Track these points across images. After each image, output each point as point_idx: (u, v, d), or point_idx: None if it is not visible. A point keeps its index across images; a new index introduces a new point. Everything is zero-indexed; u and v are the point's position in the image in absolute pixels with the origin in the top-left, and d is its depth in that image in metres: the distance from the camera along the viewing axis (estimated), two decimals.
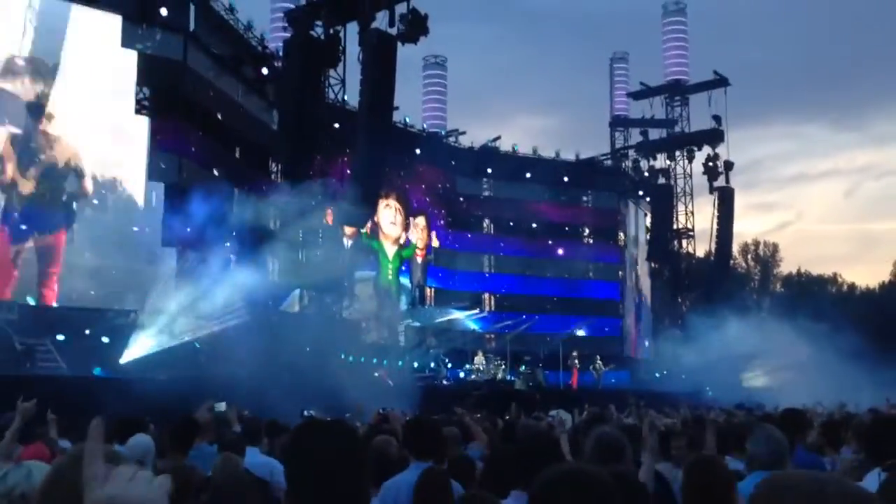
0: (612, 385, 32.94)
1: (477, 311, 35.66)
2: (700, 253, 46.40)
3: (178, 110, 22.22)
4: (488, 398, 22.01)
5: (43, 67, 20.29)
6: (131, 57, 21.59)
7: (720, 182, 40.07)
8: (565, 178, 39.59)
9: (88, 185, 20.85)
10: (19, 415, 5.51)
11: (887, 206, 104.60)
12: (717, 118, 39.65)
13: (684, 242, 44.09)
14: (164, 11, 21.90)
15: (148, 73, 21.99)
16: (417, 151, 34.17)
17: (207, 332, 20.16)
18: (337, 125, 25.60)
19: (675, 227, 42.90)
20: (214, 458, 5.51)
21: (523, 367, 30.61)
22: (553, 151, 40.09)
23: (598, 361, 33.37)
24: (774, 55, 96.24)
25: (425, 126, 38.14)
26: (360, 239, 30.57)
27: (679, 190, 43.50)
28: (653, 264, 43.75)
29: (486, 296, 38.71)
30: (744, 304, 38.26)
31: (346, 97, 25.92)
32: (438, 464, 4.89)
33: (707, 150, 40.30)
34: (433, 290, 36.54)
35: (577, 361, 31.46)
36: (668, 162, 42.66)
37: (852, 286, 72.86)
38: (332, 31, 23.43)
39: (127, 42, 21.52)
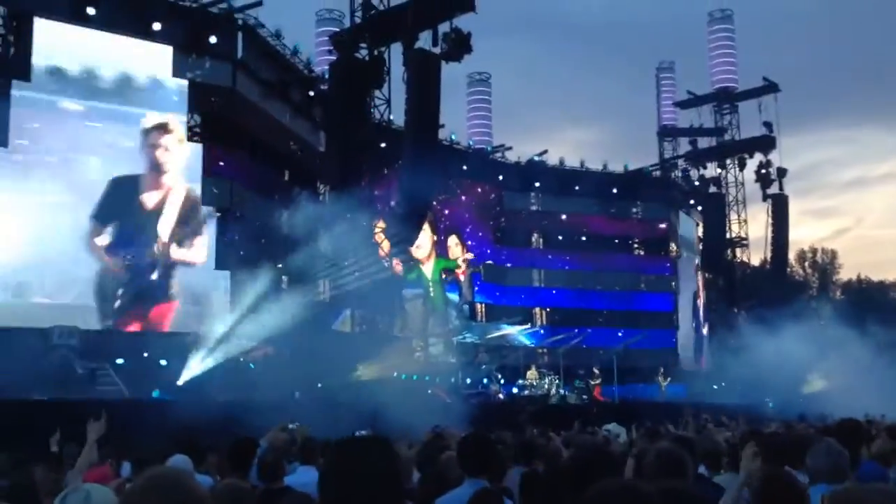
0: (667, 398, 32.43)
1: (528, 325, 35.46)
2: (755, 262, 45.65)
3: (228, 136, 22.68)
4: (542, 414, 21.84)
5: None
6: (182, 86, 22.14)
7: (773, 189, 39.43)
8: (614, 190, 39.28)
9: None
10: (92, 433, 5.63)
11: None
12: (767, 125, 39.07)
13: (738, 251, 43.40)
14: (213, 40, 22.42)
15: (198, 100, 22.50)
16: (464, 168, 34.25)
17: (261, 353, 20.42)
18: (383, 144, 25.84)
19: (728, 236, 42.26)
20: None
21: (577, 382, 30.33)
22: (601, 164, 39.87)
23: (661, 374, 32.95)
24: (825, 58, 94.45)
25: (471, 142, 38.24)
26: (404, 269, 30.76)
27: (731, 198, 42.89)
28: (707, 274, 43.10)
29: (537, 310, 38.51)
30: (802, 312, 37.35)
31: (391, 117, 26.16)
32: (493, 481, 4.87)
33: (759, 157, 39.71)
34: (483, 305, 36.46)
35: (599, 378, 30.72)
36: (718, 170, 42.14)
37: None
38: (376, 52, 23.70)
39: (178, 72, 22.06)
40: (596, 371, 30.46)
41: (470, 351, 32.37)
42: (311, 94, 26.45)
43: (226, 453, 6.26)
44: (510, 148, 37.74)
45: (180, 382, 18.55)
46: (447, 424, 12.73)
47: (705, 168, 42.02)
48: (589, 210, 39.03)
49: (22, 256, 19.11)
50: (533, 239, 39.58)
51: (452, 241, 35.51)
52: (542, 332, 36.40)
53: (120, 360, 18.66)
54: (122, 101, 21.25)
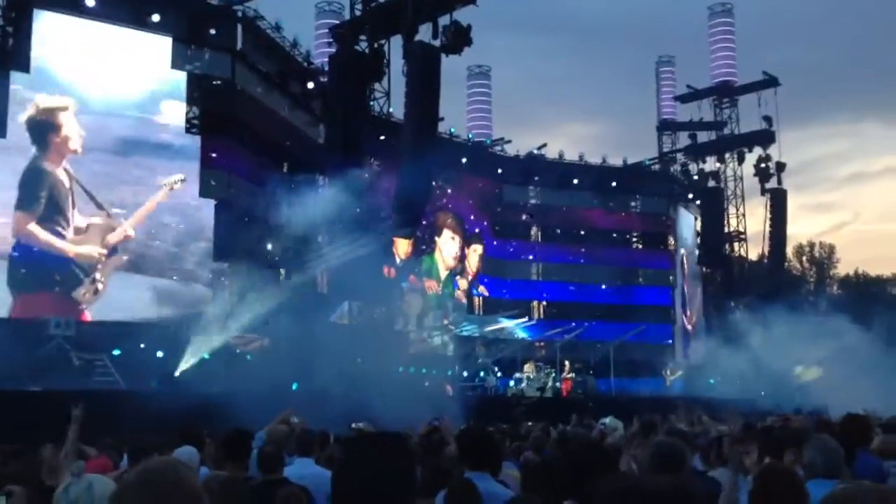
0: (663, 392, 32.50)
1: (526, 319, 35.48)
2: (753, 256, 45.68)
3: (227, 128, 22.65)
4: (539, 407, 21.89)
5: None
6: (181, 77, 22.10)
7: (772, 184, 39.43)
8: (613, 184, 39.28)
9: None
10: (75, 423, 5.65)
11: None
12: (767, 119, 39.03)
13: (736, 246, 43.42)
14: (212, 32, 22.37)
15: (197, 92, 22.46)
16: (463, 161, 34.23)
17: (258, 344, 20.43)
18: (383, 137, 25.81)
19: (726, 230, 42.26)
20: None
21: (573, 375, 30.34)
22: (600, 158, 39.85)
23: (668, 368, 32.92)
24: (825, 53, 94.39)
25: (471, 136, 38.21)
26: (415, 253, 30.84)
27: (730, 193, 42.90)
28: (704, 269, 43.12)
29: (535, 304, 38.54)
30: (799, 306, 37.42)
31: (391, 109, 26.13)
32: (493, 474, 4.88)
33: (758, 151, 39.70)
34: (481, 298, 36.51)
35: (570, 371, 30.50)
36: (717, 165, 42.13)
37: None
38: (376, 44, 23.66)
39: (177, 63, 22.01)
40: (567, 364, 30.32)
41: (467, 344, 32.40)
42: (311, 86, 26.42)
43: (220, 444, 6.27)
44: (509, 141, 37.76)
45: (177, 374, 18.56)
46: (444, 417, 12.75)
47: (704, 162, 42.03)
48: (588, 204, 39.05)
49: None
50: (532, 232, 39.60)
51: (479, 248, 35.73)
52: (538, 325, 36.43)
53: (116, 352, 18.67)
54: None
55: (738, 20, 46.33)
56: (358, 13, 24.17)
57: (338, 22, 28.03)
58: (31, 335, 18.09)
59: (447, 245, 33.62)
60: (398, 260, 28.89)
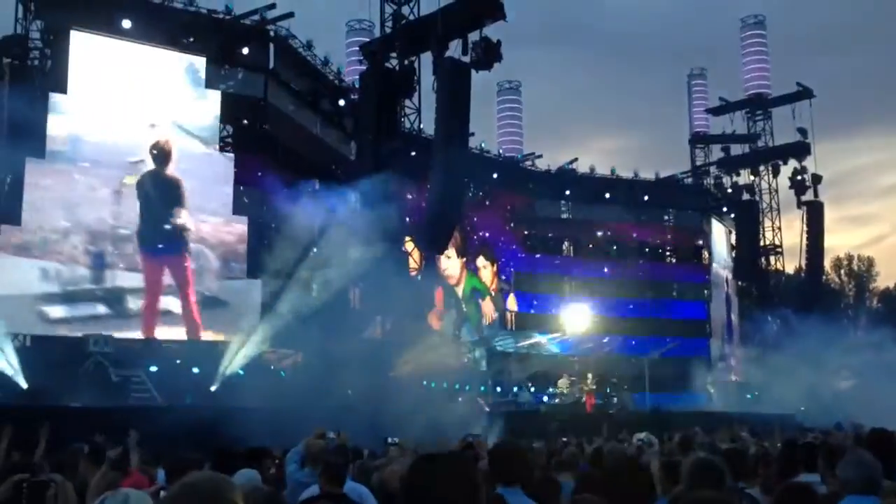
0: (700, 407, 32.05)
1: (558, 334, 35.28)
2: (789, 269, 45.05)
3: (260, 145, 22.89)
4: (573, 422, 21.68)
5: None
6: (215, 96, 22.40)
7: (808, 196, 38.90)
8: (645, 198, 39.02)
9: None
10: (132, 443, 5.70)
11: None
12: (802, 131, 38.57)
13: (772, 259, 42.87)
14: (245, 51, 22.67)
15: (231, 111, 22.74)
16: (494, 176, 34.24)
17: (292, 360, 20.53)
18: (413, 153, 25.91)
19: (761, 243, 41.76)
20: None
21: (608, 390, 30.08)
22: (631, 172, 39.63)
23: (709, 382, 32.52)
24: (860, 64, 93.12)
25: (501, 151, 38.23)
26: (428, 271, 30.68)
27: (765, 206, 42.41)
28: (740, 282, 42.61)
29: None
30: (838, 320, 36.85)
31: (421, 126, 26.24)
32: (525, 489, 4.84)
33: (793, 164, 39.21)
34: (514, 314, 36.36)
35: (592, 385, 30.01)
36: (751, 177, 41.67)
37: None
38: (406, 61, 23.81)
39: (210, 83, 22.32)
40: (589, 377, 29.96)
41: (500, 359, 32.27)
42: (342, 103, 26.64)
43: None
44: (540, 156, 37.73)
45: (213, 389, 18.71)
46: (479, 433, 12.70)
47: (738, 175, 41.62)
48: (620, 218, 38.79)
49: None
50: (564, 247, 39.42)
51: (480, 262, 35.36)
52: (572, 340, 36.17)
53: (153, 368, 18.87)
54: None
55: (770, 31, 46.01)
56: (388, 31, 24.36)
57: (368, 40, 28.25)
58: (71, 352, 18.36)
59: (443, 261, 33.26)
60: (419, 276, 28.85)
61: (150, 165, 21.16)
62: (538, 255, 37.98)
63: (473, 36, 22.14)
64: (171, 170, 21.44)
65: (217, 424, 11.42)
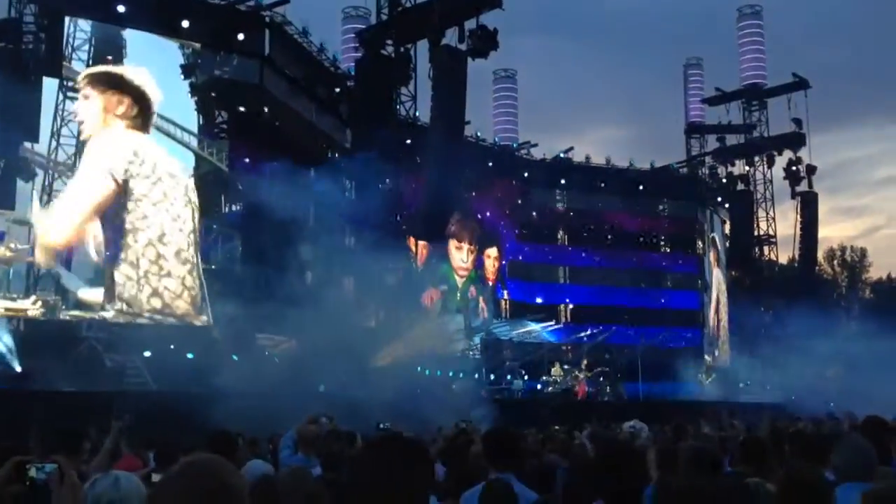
0: (693, 395, 32.23)
1: (553, 322, 35.37)
2: (783, 260, 45.20)
3: (255, 132, 22.81)
4: (565, 410, 21.80)
5: None
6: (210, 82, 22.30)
7: (803, 187, 38.97)
8: (640, 187, 39.02)
9: None
10: (115, 432, 5.70)
11: None
12: (797, 121, 38.62)
13: (766, 249, 42.99)
14: (240, 37, 22.56)
15: (226, 97, 22.65)
16: (490, 164, 34.22)
17: (286, 346, 20.54)
18: (409, 141, 25.88)
19: (756, 233, 41.86)
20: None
21: (601, 379, 30.21)
22: (627, 161, 39.64)
23: (702, 371, 32.67)
24: (856, 55, 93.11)
25: (497, 139, 38.18)
26: (434, 261, 30.71)
27: (759, 196, 42.49)
28: (733, 272, 42.72)
29: (562, 307, 38.39)
30: (831, 310, 36.98)
31: (417, 113, 26.18)
32: (518, 475, 4.87)
33: (788, 154, 39.28)
34: (508, 302, 36.45)
35: (585, 372, 30.06)
36: (746, 168, 41.72)
37: None
38: (402, 49, 23.76)
39: (206, 68, 22.22)
40: (584, 363, 30.05)
41: (494, 347, 32.37)
42: (338, 90, 26.54)
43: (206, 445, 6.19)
44: (536, 145, 37.71)
45: (207, 376, 18.71)
46: (471, 420, 12.76)
47: (733, 165, 41.64)
48: (615, 207, 38.83)
49: None
50: (559, 236, 39.47)
51: (493, 252, 35.47)
52: (566, 328, 36.28)
53: (147, 353, 18.86)
54: None
55: (767, 22, 45.96)
56: (384, 18, 24.29)
57: (364, 27, 28.15)
58: (65, 337, 18.35)
59: (454, 254, 33.41)
60: (416, 265, 28.89)
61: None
62: (533, 244, 38.02)
63: (470, 24, 22.10)
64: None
65: (210, 410, 11.43)
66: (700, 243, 41.38)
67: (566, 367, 30.38)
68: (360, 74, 24.13)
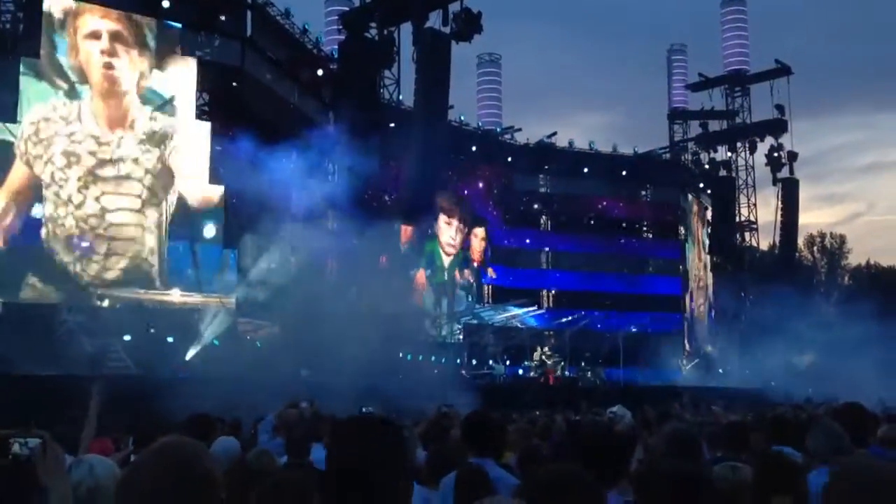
0: (674, 381, 32.46)
1: (535, 307, 35.46)
2: (764, 246, 45.55)
3: (237, 114, 22.62)
4: (548, 394, 21.91)
5: None
6: (192, 63, 22.07)
7: (784, 173, 39.27)
8: (623, 173, 39.08)
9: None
10: (93, 407, 5.63)
11: None
12: (779, 108, 38.84)
13: (747, 235, 43.28)
14: (222, 18, 22.32)
15: (207, 78, 22.44)
16: (473, 149, 34.16)
17: (267, 330, 20.47)
18: (392, 125, 25.76)
19: (737, 220, 42.10)
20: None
21: (583, 364, 30.35)
22: (610, 146, 39.68)
23: (683, 357, 32.92)
24: (839, 43, 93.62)
25: (480, 124, 38.09)
26: (417, 239, 30.65)
27: (741, 182, 42.73)
28: (714, 258, 42.99)
29: (545, 292, 38.50)
30: (810, 296, 37.29)
31: (401, 97, 26.07)
32: (497, 460, 4.86)
33: (770, 141, 39.50)
34: (491, 287, 36.49)
35: (550, 360, 30.07)
36: (729, 154, 41.93)
37: None
38: (385, 31, 23.62)
39: (186, 50, 21.99)
40: (547, 350, 30.07)
41: (477, 332, 32.42)
42: (320, 73, 26.33)
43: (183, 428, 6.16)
44: (520, 130, 37.64)
45: (187, 358, 18.64)
46: (453, 403, 12.75)
47: (716, 151, 41.87)
48: (598, 192, 38.89)
49: None
50: (542, 221, 39.51)
51: (481, 232, 35.45)
52: (548, 313, 36.38)
53: (127, 337, 18.74)
54: None
55: (750, 8, 46.11)
56: (368, 0, 24.11)
57: (347, 9, 27.96)
58: (44, 320, 18.18)
59: (444, 230, 33.34)
60: (402, 246, 28.82)
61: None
62: (516, 229, 38.03)
63: (454, 7, 22.03)
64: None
65: (188, 394, 11.36)
66: (682, 229, 41.58)
67: (548, 352, 30.43)
68: (343, 57, 23.96)
